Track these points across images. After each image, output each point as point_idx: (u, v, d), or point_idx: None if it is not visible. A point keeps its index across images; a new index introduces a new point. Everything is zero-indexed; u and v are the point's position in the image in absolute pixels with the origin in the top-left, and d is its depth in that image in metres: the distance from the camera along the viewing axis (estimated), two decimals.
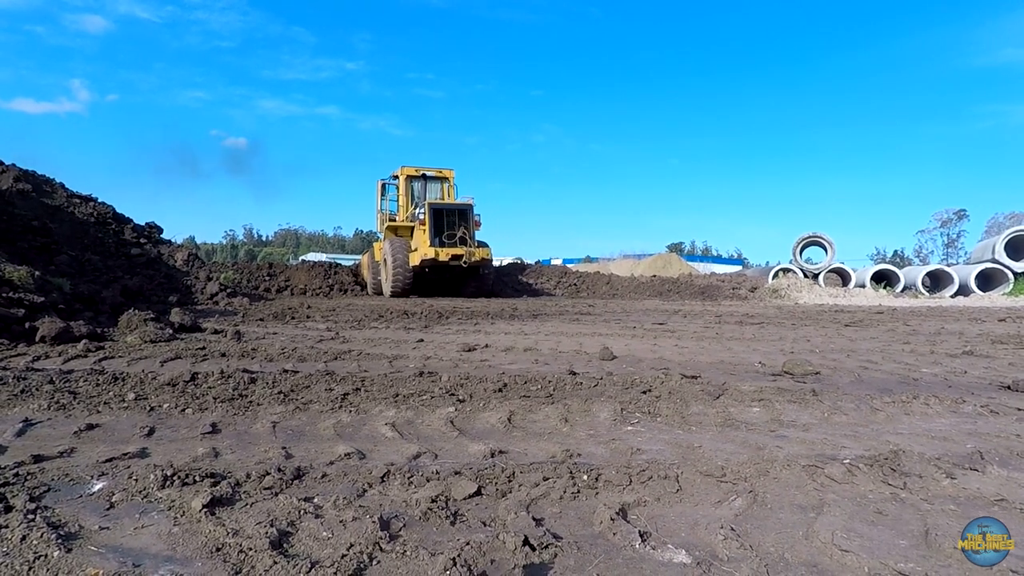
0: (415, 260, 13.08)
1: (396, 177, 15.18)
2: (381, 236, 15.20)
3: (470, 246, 13.14)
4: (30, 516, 1.17)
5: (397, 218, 14.74)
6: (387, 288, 13.17)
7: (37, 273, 4.70)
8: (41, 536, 1.09)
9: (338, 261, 17.24)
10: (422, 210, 13.47)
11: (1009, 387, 2.71)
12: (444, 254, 12.90)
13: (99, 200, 11.17)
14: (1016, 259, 13.85)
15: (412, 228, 14.06)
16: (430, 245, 12.83)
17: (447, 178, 15.38)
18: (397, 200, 15.18)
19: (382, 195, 15.32)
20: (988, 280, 14.12)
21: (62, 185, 10.84)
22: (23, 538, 1.08)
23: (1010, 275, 13.63)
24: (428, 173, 15.12)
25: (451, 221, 13.26)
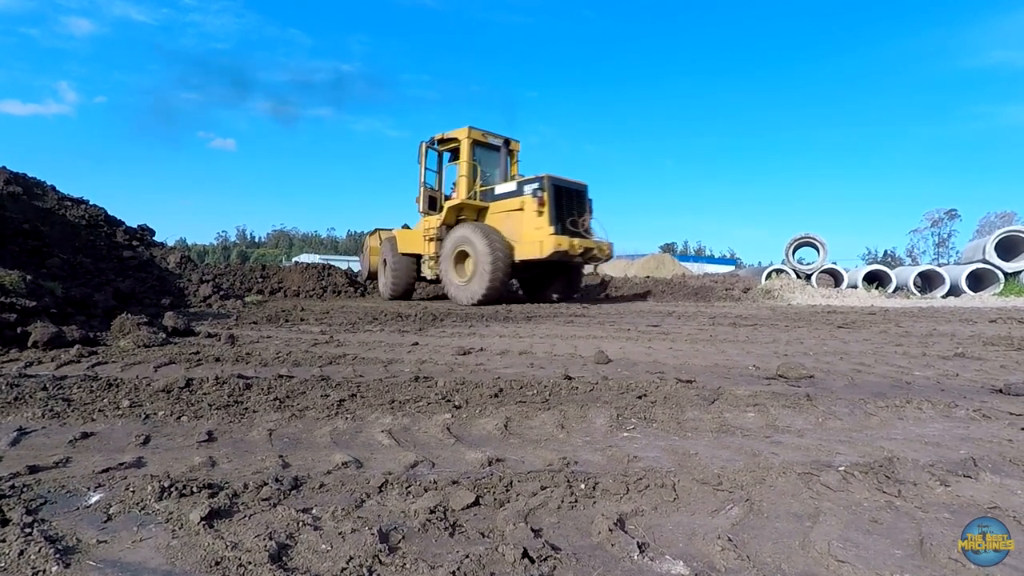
0: (531, 252, 9.99)
1: (442, 141, 11.81)
2: (420, 216, 12.04)
3: (588, 237, 10.51)
4: (27, 530, 1.16)
5: (457, 195, 11.34)
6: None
7: (29, 277, 4.66)
8: (39, 551, 1.08)
9: (331, 262, 17.15)
10: (532, 187, 10.28)
11: (1001, 391, 2.73)
12: (576, 246, 10.00)
13: (91, 202, 11.10)
14: (1007, 259, 13.97)
15: (481, 209, 11.22)
16: (554, 233, 9.86)
17: (513, 151, 12.00)
18: (437, 171, 12.22)
19: (421, 163, 12.07)
20: (979, 280, 14.24)
21: (53, 188, 10.77)
22: (21, 553, 1.08)
23: (1000, 275, 13.74)
24: (493, 140, 11.73)
25: (569, 205, 10.53)
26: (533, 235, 10.06)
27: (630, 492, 1.43)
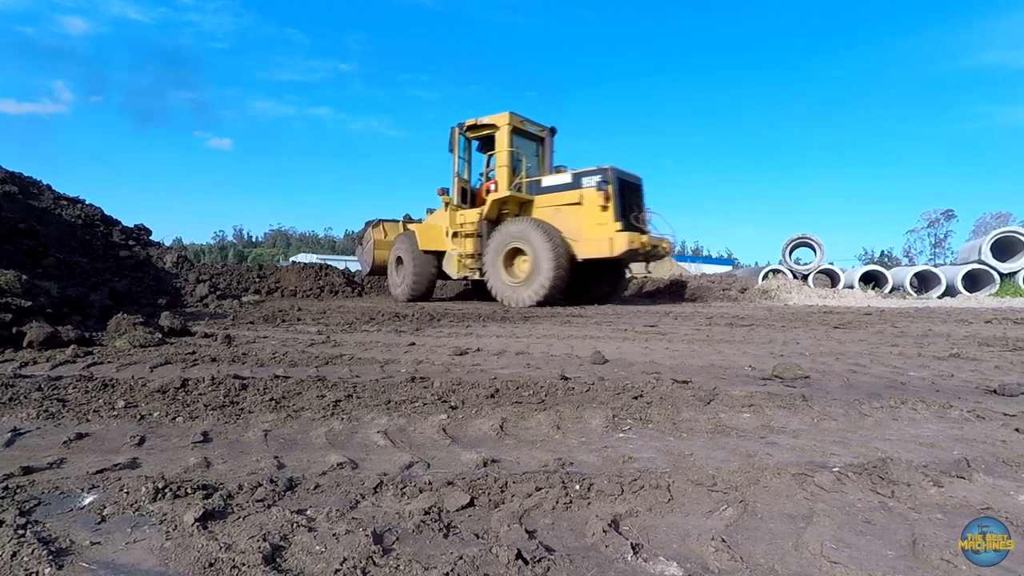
0: (597, 250, 9.28)
1: (475, 127, 10.87)
2: (453, 205, 11.14)
3: (649, 233, 9.89)
4: (20, 531, 1.16)
5: (497, 187, 10.50)
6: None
7: (24, 277, 4.65)
8: (32, 552, 1.08)
9: (329, 262, 17.13)
10: (594, 180, 9.48)
11: (995, 391, 2.74)
12: (646, 243, 9.33)
13: (87, 202, 11.07)
14: (1002, 260, 14.02)
15: (524, 203, 10.45)
16: (622, 229, 9.17)
17: (542, 139, 11.34)
18: (466, 160, 11.27)
19: (453, 150, 11.16)
20: (975, 281, 14.28)
21: (49, 187, 10.74)
22: (14, 555, 1.08)
23: (996, 276, 13.79)
24: (531, 128, 11.03)
25: (630, 199, 9.91)
26: (596, 231, 9.39)
27: (625, 493, 1.43)
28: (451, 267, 11.26)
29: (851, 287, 15.40)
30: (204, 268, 13.60)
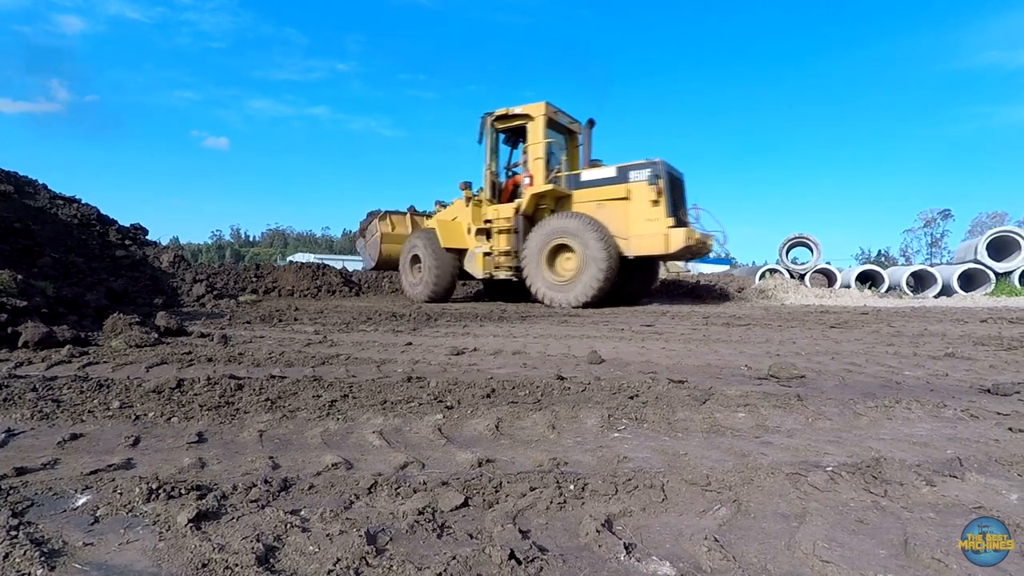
0: (650, 246, 8.97)
1: (506, 117, 10.23)
2: (475, 200, 10.67)
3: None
4: (13, 533, 1.16)
5: (532, 180, 9.91)
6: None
7: (20, 277, 4.64)
8: (24, 554, 1.08)
9: (326, 262, 17.10)
10: (644, 174, 9.05)
11: (989, 391, 2.75)
12: (699, 239, 9.06)
13: (83, 201, 11.05)
14: (998, 259, 14.06)
15: (561, 198, 10.02)
16: (674, 226, 8.91)
17: (573, 132, 10.89)
18: (495, 151, 10.58)
19: (484, 141, 10.46)
20: (970, 280, 14.32)
21: (45, 186, 10.72)
22: (5, 556, 1.08)
23: (992, 275, 13.83)
24: (563, 120, 10.51)
25: (677, 194, 9.51)
26: (647, 228, 9.02)
27: (619, 493, 1.43)
28: (474, 265, 10.73)
29: (848, 287, 15.43)
30: (201, 268, 13.58)
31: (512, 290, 11.79)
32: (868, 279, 16.10)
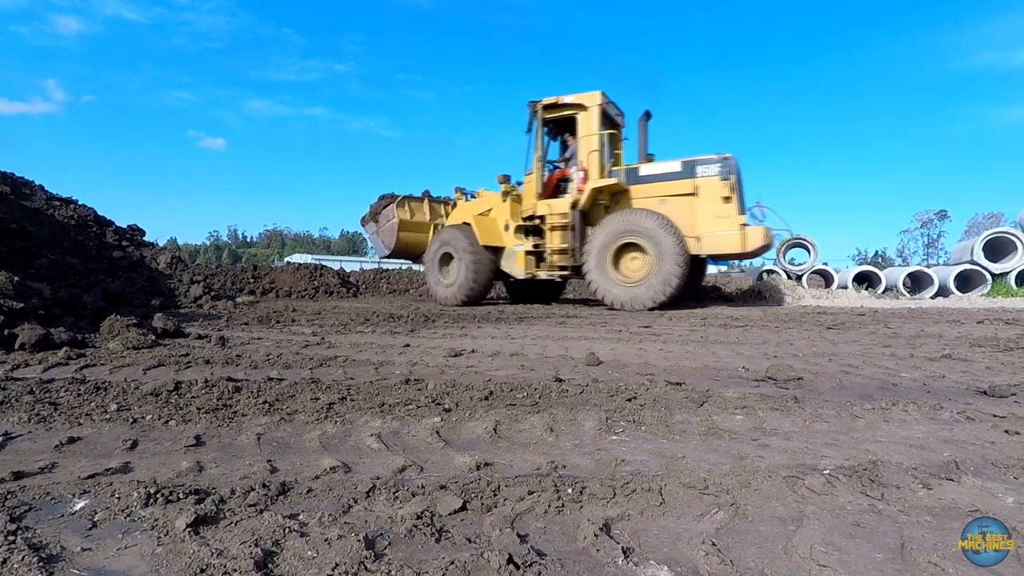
0: (725, 245, 8.59)
1: (555, 107, 9.61)
2: (514, 195, 10.11)
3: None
4: (10, 538, 1.16)
5: (588, 174, 9.26)
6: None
7: (16, 278, 4.63)
8: (22, 559, 1.08)
9: (324, 262, 17.08)
10: (715, 168, 8.59)
11: (985, 392, 2.76)
12: (771, 238, 8.73)
13: (80, 202, 11.03)
14: (994, 260, 14.10)
15: (616, 193, 9.39)
16: (748, 224, 8.48)
17: (619, 126, 10.24)
18: (537, 145, 9.79)
19: (534, 131, 9.72)
20: (967, 281, 14.37)
21: (42, 187, 10.69)
22: (3, 561, 1.08)
23: (988, 276, 13.88)
24: (613, 112, 9.90)
25: (741, 193, 8.92)
26: (719, 226, 8.57)
27: (617, 496, 1.44)
28: (514, 265, 10.09)
29: (845, 288, 15.47)
30: (198, 268, 13.55)
31: (537, 291, 11.38)
32: (865, 280, 16.14)
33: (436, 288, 10.67)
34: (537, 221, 9.97)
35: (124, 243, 10.84)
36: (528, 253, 10.01)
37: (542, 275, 10.01)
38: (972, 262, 14.26)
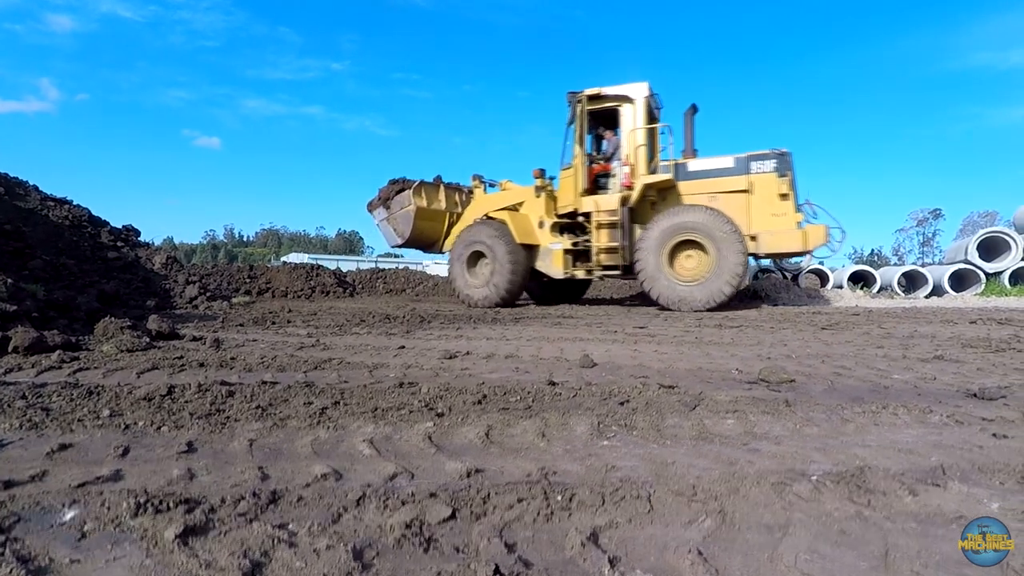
0: (784, 244, 8.38)
1: (598, 98, 9.21)
2: (550, 191, 9.79)
3: None
4: (0, 549, 1.16)
5: (635, 170, 8.92)
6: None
7: (10, 280, 4.61)
8: (10, 572, 1.08)
9: (320, 262, 17.07)
10: (770, 164, 8.35)
11: (976, 395, 2.78)
12: (827, 235, 8.43)
13: (74, 202, 10.99)
14: (988, 260, 14.16)
15: (663, 190, 9.07)
16: (804, 224, 8.26)
17: (656, 120, 9.75)
18: (578, 138, 9.35)
19: (576, 123, 9.31)
20: (961, 280, 14.42)
21: (36, 187, 10.65)
22: None
23: (982, 276, 13.93)
24: (653, 106, 9.51)
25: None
26: (777, 224, 8.32)
27: (606, 504, 1.44)
28: (551, 264, 9.70)
29: (840, 287, 15.51)
30: (194, 269, 13.52)
31: (562, 291, 11.06)
32: (860, 279, 16.18)
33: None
34: (581, 218, 9.54)
35: (119, 244, 10.81)
36: (566, 251, 9.63)
37: (580, 274, 9.67)
38: (966, 261, 14.31)
